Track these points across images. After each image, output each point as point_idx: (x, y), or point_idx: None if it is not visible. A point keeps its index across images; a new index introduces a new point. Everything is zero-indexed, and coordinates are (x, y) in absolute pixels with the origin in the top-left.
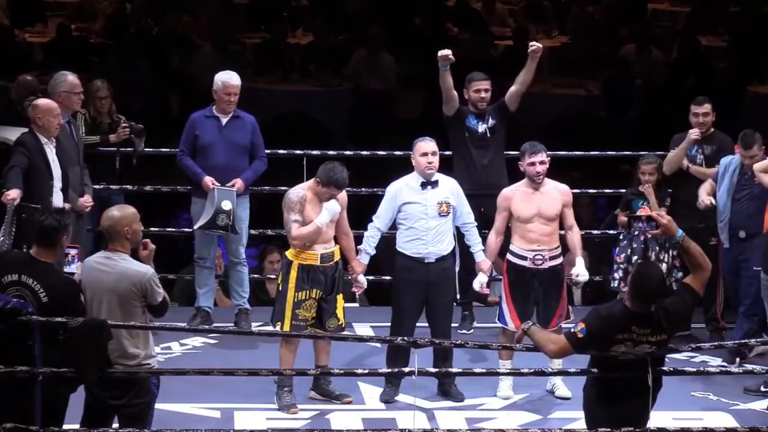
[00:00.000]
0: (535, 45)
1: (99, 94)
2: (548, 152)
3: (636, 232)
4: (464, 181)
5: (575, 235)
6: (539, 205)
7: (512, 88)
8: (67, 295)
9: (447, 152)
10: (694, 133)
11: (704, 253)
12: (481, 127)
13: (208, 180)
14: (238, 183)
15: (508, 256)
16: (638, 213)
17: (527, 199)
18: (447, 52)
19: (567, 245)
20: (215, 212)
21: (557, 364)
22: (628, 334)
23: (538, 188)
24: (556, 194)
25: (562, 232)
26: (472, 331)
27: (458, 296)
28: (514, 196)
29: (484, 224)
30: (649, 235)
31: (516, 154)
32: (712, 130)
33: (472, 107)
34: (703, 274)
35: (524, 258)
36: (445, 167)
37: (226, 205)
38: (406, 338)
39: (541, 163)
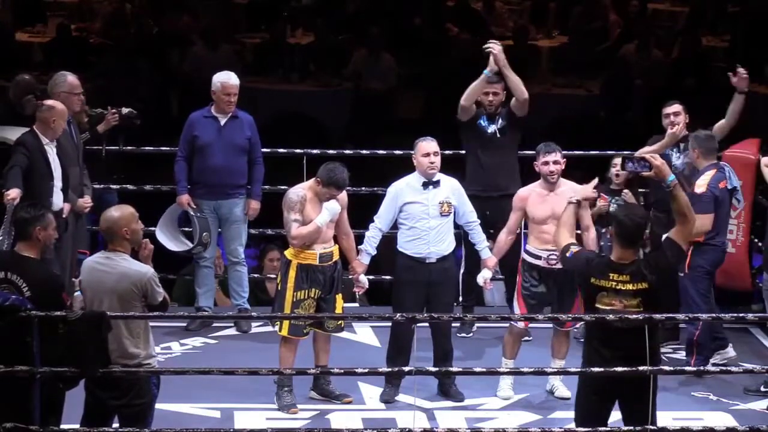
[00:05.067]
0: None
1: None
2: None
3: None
4: (472, 181)
5: (590, 237)
6: (554, 206)
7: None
8: (48, 288)
9: (447, 151)
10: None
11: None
12: (491, 128)
13: (185, 199)
14: (255, 205)
15: (524, 255)
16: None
17: (542, 200)
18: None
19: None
20: (197, 243)
21: (557, 364)
22: (606, 280)
23: (553, 189)
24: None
25: (578, 231)
26: (471, 334)
27: (461, 298)
28: (530, 197)
29: (486, 228)
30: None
31: (531, 153)
32: (686, 132)
33: (483, 108)
34: (687, 225)
35: (539, 257)
36: (447, 167)
37: (206, 238)
38: (404, 315)
39: (555, 162)
